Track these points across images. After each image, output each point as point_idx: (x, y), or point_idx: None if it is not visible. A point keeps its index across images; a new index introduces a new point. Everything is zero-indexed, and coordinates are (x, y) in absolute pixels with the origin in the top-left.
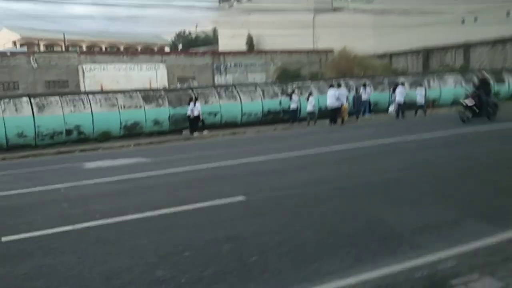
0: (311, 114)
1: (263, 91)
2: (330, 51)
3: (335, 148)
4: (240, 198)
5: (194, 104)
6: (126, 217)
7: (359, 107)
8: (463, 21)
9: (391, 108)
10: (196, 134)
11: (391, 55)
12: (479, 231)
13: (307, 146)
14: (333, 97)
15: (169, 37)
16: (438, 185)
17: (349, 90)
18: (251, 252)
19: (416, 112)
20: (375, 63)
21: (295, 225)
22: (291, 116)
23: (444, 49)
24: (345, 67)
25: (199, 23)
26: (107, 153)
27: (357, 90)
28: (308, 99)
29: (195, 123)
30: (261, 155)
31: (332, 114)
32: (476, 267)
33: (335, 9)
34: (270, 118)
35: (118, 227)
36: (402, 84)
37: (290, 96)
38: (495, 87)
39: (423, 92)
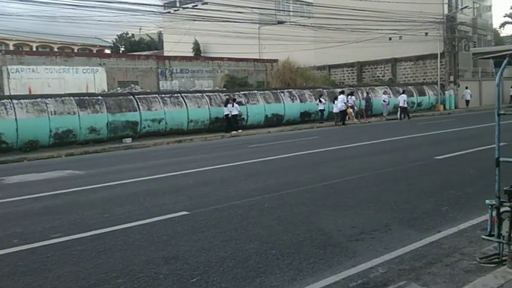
0: (336, 114)
1: (210, 98)
2: (275, 61)
3: (280, 156)
4: (183, 212)
5: (232, 105)
6: (52, 241)
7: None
8: (390, 39)
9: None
10: (234, 133)
11: (329, 67)
12: (405, 235)
13: (248, 156)
14: (342, 102)
15: (110, 39)
16: (374, 190)
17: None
18: (192, 273)
19: (407, 115)
20: (315, 74)
21: (240, 238)
22: (320, 116)
23: (375, 63)
24: (289, 77)
25: (142, 26)
26: (33, 164)
27: (367, 94)
28: (334, 103)
29: (232, 123)
30: (208, 164)
31: (338, 116)
32: (403, 273)
33: (279, 22)
34: (218, 125)
35: (41, 253)
36: (403, 92)
37: (319, 99)
38: (417, 99)
39: (405, 98)
